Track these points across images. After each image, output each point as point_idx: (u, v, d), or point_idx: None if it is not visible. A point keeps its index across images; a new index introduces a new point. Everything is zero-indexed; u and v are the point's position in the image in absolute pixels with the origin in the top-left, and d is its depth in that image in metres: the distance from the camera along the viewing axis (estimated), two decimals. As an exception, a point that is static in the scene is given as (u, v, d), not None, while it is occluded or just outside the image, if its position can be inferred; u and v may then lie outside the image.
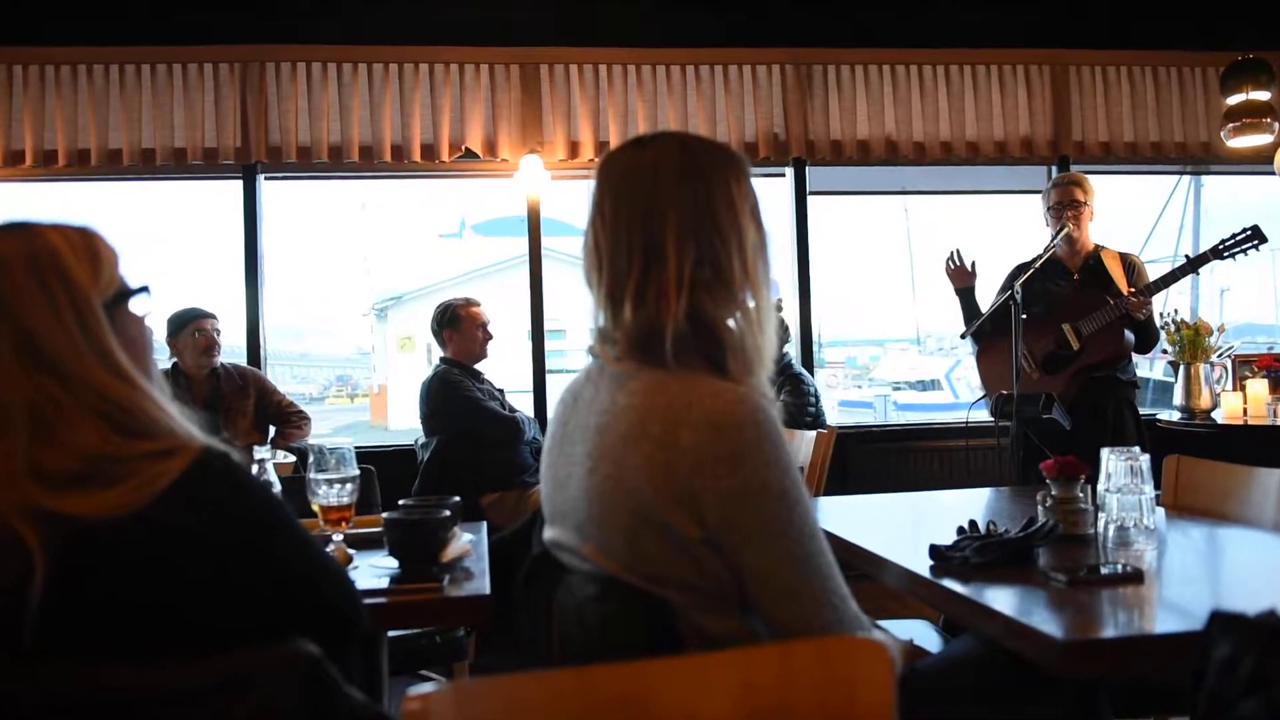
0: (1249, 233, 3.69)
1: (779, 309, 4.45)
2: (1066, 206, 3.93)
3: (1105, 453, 1.81)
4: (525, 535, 1.45)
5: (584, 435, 1.29)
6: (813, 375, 4.80)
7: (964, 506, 2.58)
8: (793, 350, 4.98)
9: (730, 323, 1.28)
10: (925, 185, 5.58)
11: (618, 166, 1.32)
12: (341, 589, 1.17)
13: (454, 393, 3.98)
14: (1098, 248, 4.00)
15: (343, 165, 4.72)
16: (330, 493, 1.89)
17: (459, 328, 4.12)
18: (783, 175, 5.20)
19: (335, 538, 1.90)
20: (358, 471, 1.93)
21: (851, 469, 5.07)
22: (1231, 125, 4.76)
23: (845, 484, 4.93)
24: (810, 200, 5.20)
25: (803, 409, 4.24)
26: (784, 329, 4.42)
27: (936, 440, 5.18)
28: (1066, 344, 3.86)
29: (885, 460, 5.14)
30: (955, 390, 19.12)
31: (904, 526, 2.38)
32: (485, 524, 2.30)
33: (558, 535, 1.33)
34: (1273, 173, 5.10)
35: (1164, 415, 4.73)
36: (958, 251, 4.02)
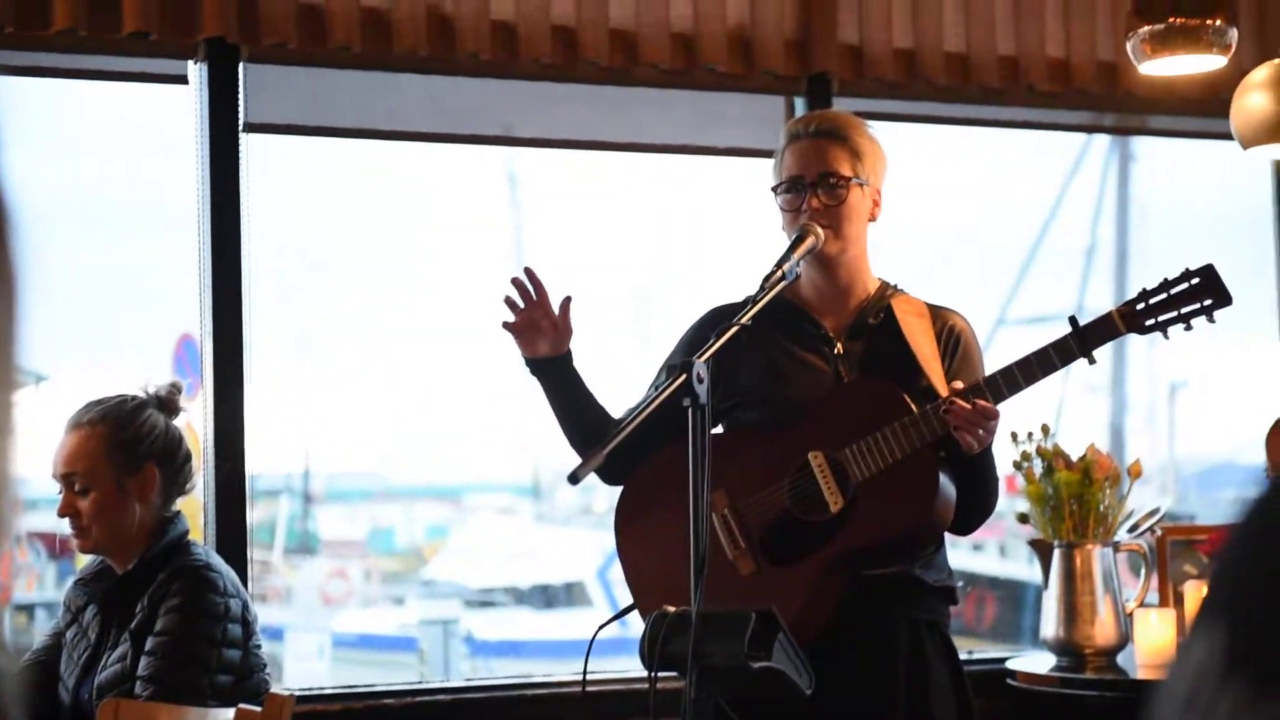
0: (1197, 281, 3.97)
1: (169, 406, 4.44)
2: (815, 186, 4.13)
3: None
4: None
5: None
6: (245, 575, 4.93)
7: None
8: (200, 514, 5.09)
9: None
10: (538, 127, 5.84)
11: None
12: None
13: None
14: (886, 289, 4.26)
15: None
16: None
17: None
18: (183, 81, 5.33)
19: None
20: None
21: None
22: (1146, 31, 5.06)
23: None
24: (251, 143, 5.36)
25: (200, 654, 4.22)
26: (173, 456, 4.40)
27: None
28: (816, 499, 4.06)
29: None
30: (617, 605, 19.84)
31: None
32: None
33: None
34: (1221, 134, 5.45)
35: (1019, 663, 5.14)
36: (526, 273, 4.18)
